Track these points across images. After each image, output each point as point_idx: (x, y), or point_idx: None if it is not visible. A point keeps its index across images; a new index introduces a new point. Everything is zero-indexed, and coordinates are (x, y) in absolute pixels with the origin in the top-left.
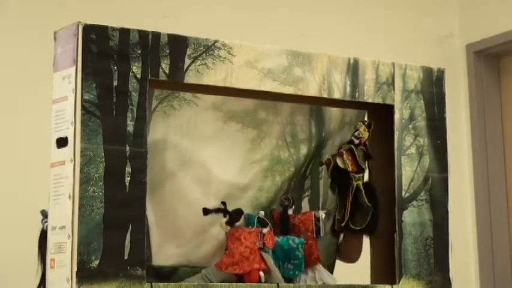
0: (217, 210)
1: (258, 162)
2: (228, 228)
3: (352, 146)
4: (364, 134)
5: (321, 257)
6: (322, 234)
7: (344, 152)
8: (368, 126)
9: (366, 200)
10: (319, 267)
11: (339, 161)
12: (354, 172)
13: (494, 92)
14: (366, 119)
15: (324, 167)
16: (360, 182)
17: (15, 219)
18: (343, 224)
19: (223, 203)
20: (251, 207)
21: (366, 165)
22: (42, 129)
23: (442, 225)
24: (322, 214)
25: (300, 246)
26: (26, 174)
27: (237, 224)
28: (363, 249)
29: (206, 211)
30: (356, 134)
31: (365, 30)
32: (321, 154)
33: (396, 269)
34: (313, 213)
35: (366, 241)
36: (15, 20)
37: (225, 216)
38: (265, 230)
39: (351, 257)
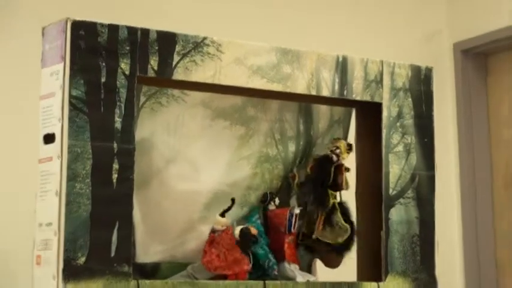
0: (228, 209)
1: (246, 159)
2: (223, 228)
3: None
4: (344, 154)
5: (288, 256)
6: (293, 231)
7: (344, 168)
8: (349, 147)
9: (341, 221)
10: (286, 265)
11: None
12: (338, 189)
13: (481, 90)
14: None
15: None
16: (336, 201)
17: (2, 215)
18: (314, 236)
19: (233, 200)
20: (240, 205)
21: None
22: (30, 125)
23: (428, 223)
24: (297, 211)
25: (272, 268)
26: (13, 171)
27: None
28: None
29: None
30: (337, 151)
31: (354, 29)
32: (311, 153)
33: (382, 266)
34: (288, 209)
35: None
36: (2, 16)
37: (222, 215)
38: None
39: (331, 265)
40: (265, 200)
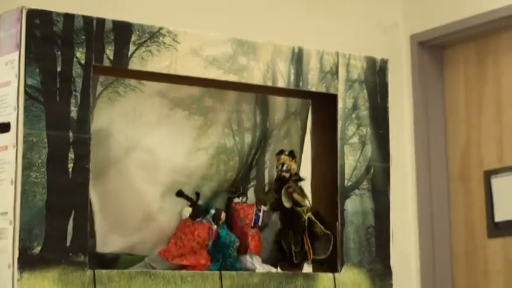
0: (188, 198)
1: (204, 149)
2: (187, 217)
3: (291, 184)
4: (292, 164)
5: (253, 247)
6: (259, 224)
7: (292, 189)
8: (292, 156)
9: (323, 229)
10: (247, 257)
11: (286, 203)
12: (300, 206)
13: (437, 82)
14: (285, 151)
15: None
16: (310, 214)
17: None
18: (309, 261)
19: (197, 194)
20: (193, 195)
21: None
22: None
23: (383, 214)
24: (264, 208)
25: (232, 244)
26: None
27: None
28: None
29: (180, 193)
30: (284, 168)
31: (310, 20)
32: (267, 144)
33: (338, 257)
34: (254, 205)
35: None
36: None
37: (191, 206)
38: (214, 227)
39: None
40: (235, 192)
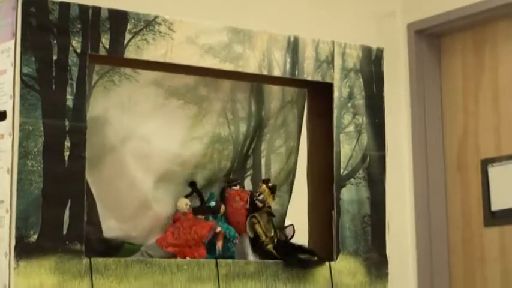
0: (198, 192)
1: (198, 139)
2: (186, 211)
3: (256, 214)
4: (269, 198)
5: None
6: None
7: (256, 221)
8: (272, 191)
9: (279, 258)
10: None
11: (250, 232)
12: (265, 237)
13: (434, 71)
14: (269, 183)
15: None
16: (270, 246)
17: None
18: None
19: (193, 184)
20: (187, 183)
21: (271, 224)
22: None
23: (379, 203)
24: (259, 197)
25: (232, 239)
26: None
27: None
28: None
29: (192, 183)
30: (261, 198)
31: (306, 8)
32: (263, 133)
33: (334, 245)
34: (249, 191)
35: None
36: None
37: (188, 196)
38: (218, 230)
39: None
40: (231, 181)
